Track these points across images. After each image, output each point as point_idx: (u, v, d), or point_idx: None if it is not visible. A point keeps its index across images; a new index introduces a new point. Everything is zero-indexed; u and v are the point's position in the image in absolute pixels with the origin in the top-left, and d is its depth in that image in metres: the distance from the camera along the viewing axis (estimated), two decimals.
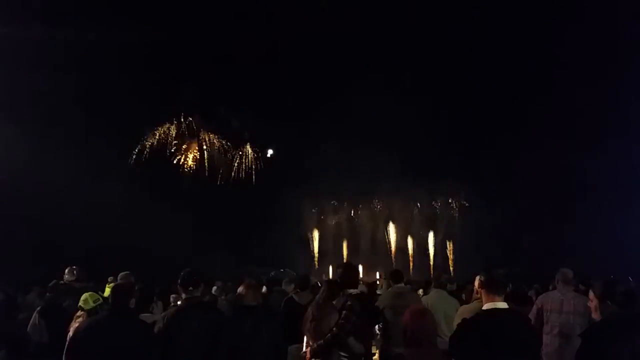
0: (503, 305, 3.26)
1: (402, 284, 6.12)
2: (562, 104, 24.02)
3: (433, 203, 31.36)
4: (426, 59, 26.49)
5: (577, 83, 23.03)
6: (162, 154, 30.67)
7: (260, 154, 33.56)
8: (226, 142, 33.10)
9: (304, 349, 4.36)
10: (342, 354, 4.15)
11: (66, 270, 6.67)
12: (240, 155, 33.21)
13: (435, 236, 30.72)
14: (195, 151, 31.92)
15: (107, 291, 7.14)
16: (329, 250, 30.82)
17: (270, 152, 33.51)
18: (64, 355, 3.74)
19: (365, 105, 26.33)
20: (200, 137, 32.35)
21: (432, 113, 26.05)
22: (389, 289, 6.29)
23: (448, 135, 27.05)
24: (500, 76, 25.61)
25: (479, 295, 4.88)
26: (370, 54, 27.12)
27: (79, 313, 4.80)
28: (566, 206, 23.74)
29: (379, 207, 32.52)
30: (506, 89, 25.67)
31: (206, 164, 32.23)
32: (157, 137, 30.82)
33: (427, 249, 30.46)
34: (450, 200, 30.82)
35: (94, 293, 5.11)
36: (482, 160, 26.26)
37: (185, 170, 31.46)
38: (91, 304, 4.79)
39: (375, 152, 26.78)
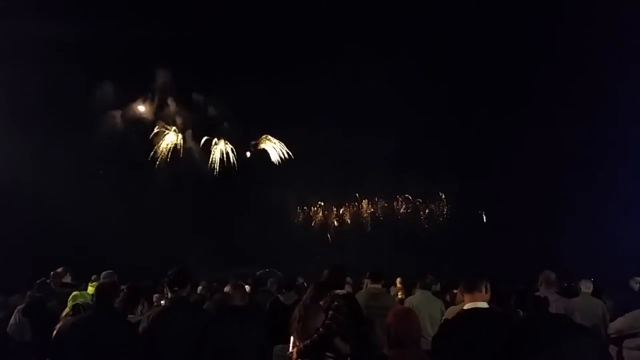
0: (483, 305, 3.31)
1: (379, 285, 6.13)
2: (564, 96, 24.13)
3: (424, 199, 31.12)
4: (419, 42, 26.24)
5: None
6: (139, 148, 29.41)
7: (240, 149, 32.49)
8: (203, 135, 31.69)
9: (291, 349, 4.37)
10: (329, 354, 4.17)
11: (60, 270, 6.53)
12: (221, 151, 32.05)
13: (425, 232, 30.61)
14: (170, 144, 30.60)
15: (90, 290, 7.06)
16: (316, 248, 30.71)
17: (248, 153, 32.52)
18: (48, 354, 3.70)
19: (354, 97, 26.23)
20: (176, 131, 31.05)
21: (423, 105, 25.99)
22: (365, 289, 6.32)
23: (441, 129, 26.93)
24: (500, 69, 25.57)
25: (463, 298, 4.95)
26: (362, 37, 26.33)
27: (66, 312, 4.74)
28: (562, 204, 23.88)
29: (366, 203, 32.43)
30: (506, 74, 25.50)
31: (181, 154, 30.87)
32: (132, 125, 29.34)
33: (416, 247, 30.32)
34: (442, 195, 30.50)
35: (86, 293, 5.06)
36: (475, 154, 26.27)
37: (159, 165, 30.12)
38: (86, 299, 4.74)
39: (364, 145, 26.69)
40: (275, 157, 32.21)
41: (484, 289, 3.38)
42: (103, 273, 6.45)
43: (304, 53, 26.43)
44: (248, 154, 32.45)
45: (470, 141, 26.51)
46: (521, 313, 4.00)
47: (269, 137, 32.52)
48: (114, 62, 23.69)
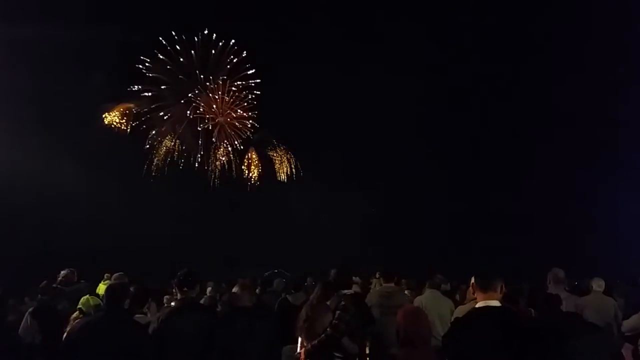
0: (495, 303, 3.28)
1: (392, 284, 6.10)
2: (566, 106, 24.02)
3: None
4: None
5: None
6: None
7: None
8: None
9: (299, 349, 4.37)
10: (337, 354, 4.16)
11: (64, 273, 6.59)
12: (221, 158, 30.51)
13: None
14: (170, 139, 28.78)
15: (102, 288, 7.11)
16: (323, 249, 30.49)
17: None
18: (58, 356, 3.72)
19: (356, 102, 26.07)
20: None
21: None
22: (377, 288, 6.30)
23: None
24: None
25: (474, 296, 4.92)
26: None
27: (75, 315, 4.77)
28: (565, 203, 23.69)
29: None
30: None
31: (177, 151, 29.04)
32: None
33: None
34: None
35: (96, 297, 5.10)
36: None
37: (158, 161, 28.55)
38: (91, 306, 4.78)
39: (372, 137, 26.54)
40: (280, 167, 31.47)
41: (498, 288, 3.36)
42: (114, 275, 6.50)
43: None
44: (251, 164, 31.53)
45: (481, 136, 26.35)
46: (532, 312, 3.97)
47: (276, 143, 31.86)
48: (109, 54, 22.66)
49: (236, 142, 30.55)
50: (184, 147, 29.29)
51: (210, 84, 28.73)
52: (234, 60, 28.19)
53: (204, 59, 27.99)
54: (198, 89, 28.69)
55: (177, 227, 24.03)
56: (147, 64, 26.56)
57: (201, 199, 27.88)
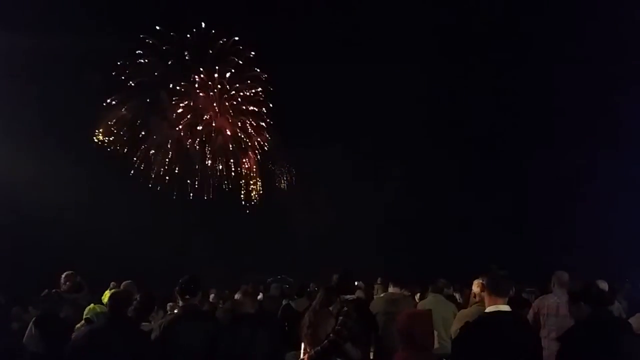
0: (506, 308, 3.27)
1: (399, 289, 6.04)
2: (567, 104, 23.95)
3: None
4: None
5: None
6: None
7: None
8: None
9: (302, 355, 4.37)
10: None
11: (65, 277, 6.59)
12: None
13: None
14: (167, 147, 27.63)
15: (107, 296, 7.09)
16: (325, 253, 30.29)
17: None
18: None
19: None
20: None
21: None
22: (383, 295, 6.25)
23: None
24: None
25: (477, 300, 4.90)
26: None
27: (80, 324, 4.79)
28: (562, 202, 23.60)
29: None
30: None
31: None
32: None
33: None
34: None
35: (103, 306, 5.10)
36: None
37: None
38: (98, 314, 4.79)
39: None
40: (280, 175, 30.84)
41: (509, 293, 3.37)
42: (124, 282, 6.51)
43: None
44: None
45: (480, 140, 26.31)
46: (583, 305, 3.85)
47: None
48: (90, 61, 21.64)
49: (243, 165, 29.85)
50: (176, 168, 28.16)
51: (208, 87, 27.67)
52: (238, 61, 27.03)
53: (200, 56, 26.54)
54: (185, 87, 26.99)
55: (179, 234, 24.07)
56: (132, 70, 25.38)
57: (202, 207, 27.86)
